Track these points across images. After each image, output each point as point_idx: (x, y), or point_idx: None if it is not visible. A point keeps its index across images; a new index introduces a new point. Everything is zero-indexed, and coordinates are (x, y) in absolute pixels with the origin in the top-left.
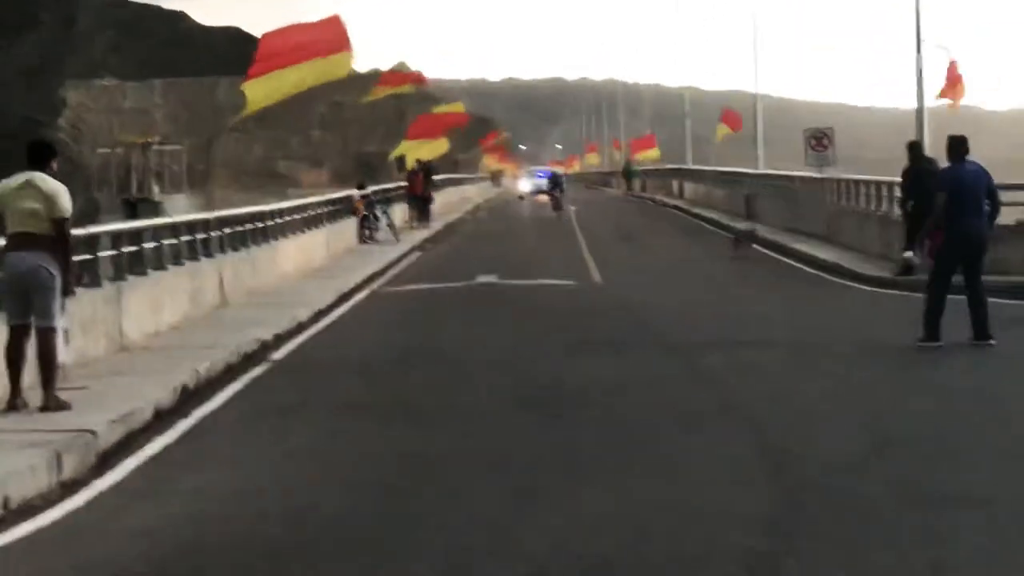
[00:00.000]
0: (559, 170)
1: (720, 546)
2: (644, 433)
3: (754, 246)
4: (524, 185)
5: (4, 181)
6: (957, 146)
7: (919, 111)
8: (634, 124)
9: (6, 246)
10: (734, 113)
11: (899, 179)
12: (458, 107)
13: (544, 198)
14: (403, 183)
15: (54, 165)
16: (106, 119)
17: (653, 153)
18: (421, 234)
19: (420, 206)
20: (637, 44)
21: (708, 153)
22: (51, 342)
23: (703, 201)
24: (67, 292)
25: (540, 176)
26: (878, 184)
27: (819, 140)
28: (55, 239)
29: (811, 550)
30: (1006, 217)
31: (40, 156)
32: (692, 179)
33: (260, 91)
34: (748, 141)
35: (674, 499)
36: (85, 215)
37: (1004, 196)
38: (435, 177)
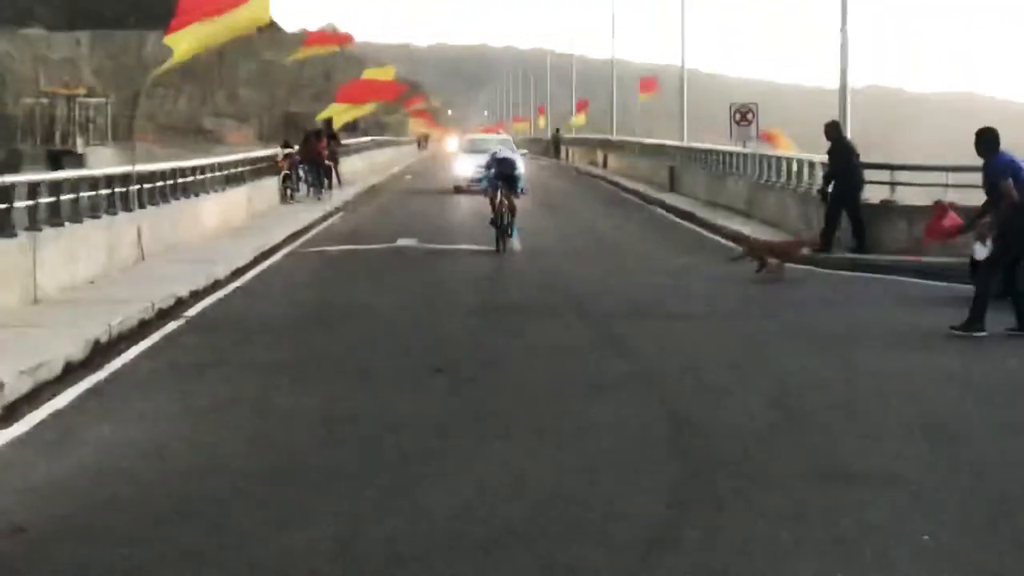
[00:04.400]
0: (503, 145)
1: (622, 514)
2: (551, 400)
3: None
4: (463, 167)
5: None
6: (995, 138)
7: (842, 89)
8: (561, 93)
9: None
10: (650, 79)
11: (820, 157)
12: (389, 71)
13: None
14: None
15: None
16: (32, 69)
17: (579, 120)
18: (344, 196)
19: (323, 172)
20: (564, 14)
21: (633, 124)
22: None
23: (627, 172)
24: None
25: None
26: (799, 161)
27: (744, 115)
28: None
29: (713, 521)
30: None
31: None
32: (616, 150)
33: (183, 44)
34: (674, 115)
35: (579, 466)
36: (8, 165)
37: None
38: (359, 139)
